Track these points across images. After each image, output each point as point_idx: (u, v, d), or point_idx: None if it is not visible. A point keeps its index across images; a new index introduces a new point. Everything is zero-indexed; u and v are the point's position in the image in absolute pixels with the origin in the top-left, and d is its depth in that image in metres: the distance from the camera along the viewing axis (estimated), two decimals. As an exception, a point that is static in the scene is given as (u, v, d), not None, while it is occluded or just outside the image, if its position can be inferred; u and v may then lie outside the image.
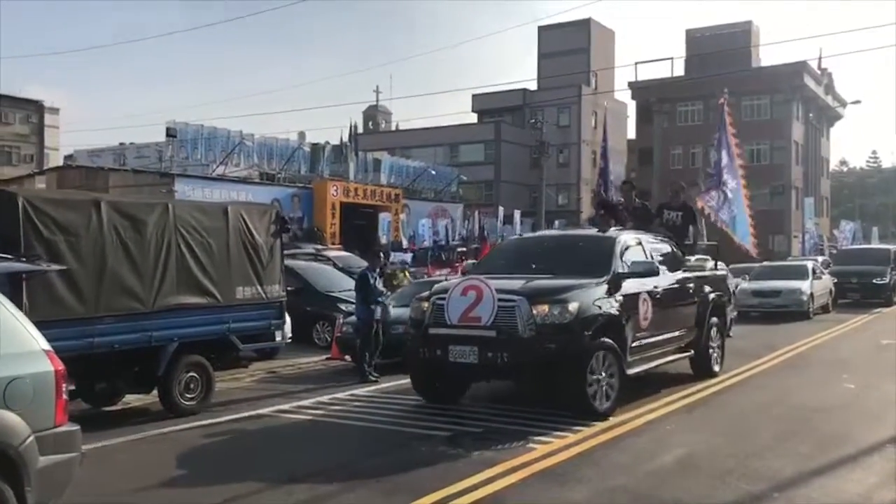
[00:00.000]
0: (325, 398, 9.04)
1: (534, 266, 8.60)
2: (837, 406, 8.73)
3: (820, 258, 31.76)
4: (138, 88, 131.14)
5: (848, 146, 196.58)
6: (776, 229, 53.61)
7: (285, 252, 21.20)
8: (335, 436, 7.53)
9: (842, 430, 7.51)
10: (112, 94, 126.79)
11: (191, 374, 8.29)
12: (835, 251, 36.02)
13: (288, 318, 12.53)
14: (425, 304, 8.09)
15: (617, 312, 7.90)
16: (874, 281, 24.56)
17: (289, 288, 14.00)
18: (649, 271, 8.58)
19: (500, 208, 40.56)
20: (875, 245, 39.01)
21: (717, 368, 10.28)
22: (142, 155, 47.74)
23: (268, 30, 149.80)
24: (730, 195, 13.02)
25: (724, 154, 13.10)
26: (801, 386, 10.01)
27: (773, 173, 55.13)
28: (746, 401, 8.98)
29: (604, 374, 7.62)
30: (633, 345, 8.22)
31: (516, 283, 7.86)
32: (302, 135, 53.43)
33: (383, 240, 33.64)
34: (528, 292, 7.58)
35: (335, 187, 34.04)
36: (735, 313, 15.52)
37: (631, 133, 65.20)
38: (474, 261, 14.39)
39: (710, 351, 10.13)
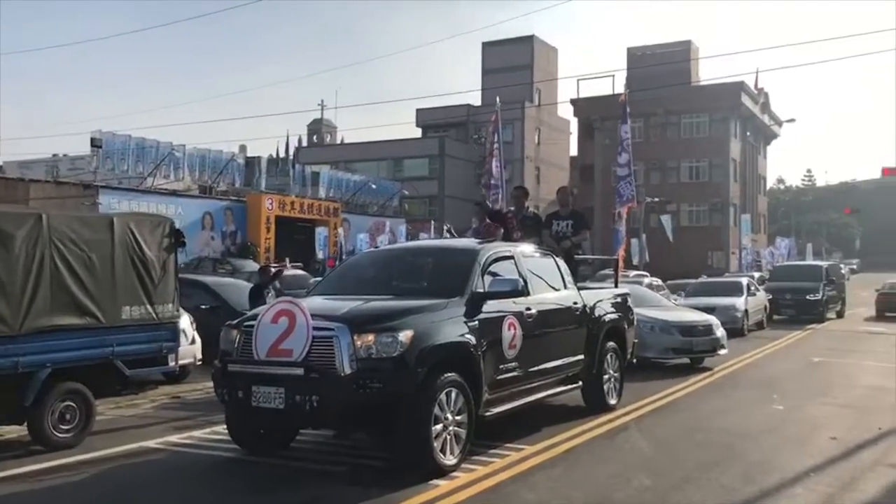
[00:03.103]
0: (221, 427, 8.28)
1: (379, 284, 7.41)
2: (764, 431, 8.35)
3: (756, 274, 32.09)
4: (73, 97, 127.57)
5: (785, 164, 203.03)
6: (715, 245, 54.44)
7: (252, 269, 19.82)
8: (221, 472, 6.82)
9: (767, 457, 7.12)
10: (48, 102, 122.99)
11: (67, 402, 7.44)
12: (771, 268, 36.52)
13: (198, 339, 11.84)
14: (234, 333, 6.62)
15: (470, 341, 6.56)
16: (808, 297, 24.78)
17: (203, 306, 13.35)
18: (514, 290, 7.23)
19: (432, 222, 40.35)
20: (809, 262, 39.71)
21: (612, 401, 9.04)
22: (75, 167, 46.11)
23: (212, 39, 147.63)
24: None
25: (625, 155, 12.51)
26: (729, 409, 9.64)
27: (712, 190, 56.06)
28: (671, 426, 8.54)
29: (451, 417, 6.29)
30: (497, 378, 6.95)
31: (343, 307, 6.51)
32: (243, 147, 52.40)
33: (320, 255, 32.91)
34: (352, 319, 6.19)
35: (270, 200, 33.20)
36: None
37: (573, 150, 65.71)
38: (318, 278, 12.51)
39: (604, 381, 8.89)
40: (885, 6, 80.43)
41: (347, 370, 5.93)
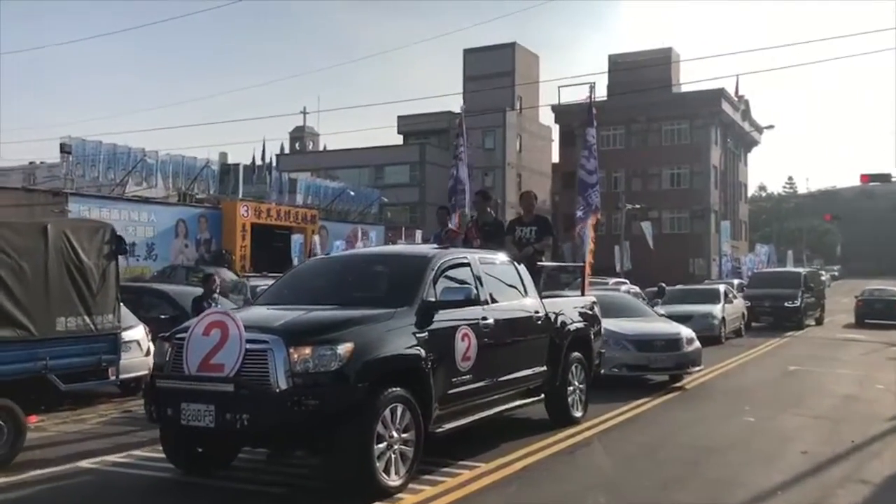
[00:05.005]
0: (163, 445, 7.88)
1: (326, 293, 6.96)
2: (732, 445, 8.03)
3: (735, 281, 31.92)
4: (42, 101, 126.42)
5: (767, 172, 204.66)
6: (696, 252, 54.37)
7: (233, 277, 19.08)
8: (153, 495, 6.38)
9: (732, 474, 6.79)
10: (15, 106, 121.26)
11: (-8, 420, 7.02)
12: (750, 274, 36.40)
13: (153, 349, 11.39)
14: (166, 346, 6.15)
15: (419, 353, 6.15)
16: (786, 304, 24.60)
17: (163, 315, 12.89)
18: (468, 299, 6.84)
19: (402, 229, 40.25)
20: (788, 268, 39.66)
21: (577, 414, 8.62)
22: (52, 174, 45.47)
23: (192, 44, 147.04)
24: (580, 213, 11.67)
25: (593, 161, 12.05)
26: (698, 422, 9.31)
27: (694, 197, 56.04)
28: (635, 441, 8.17)
29: (396, 435, 5.89)
30: (449, 392, 6.52)
31: (281, 318, 6.09)
32: (223, 155, 51.76)
33: (295, 262, 32.45)
34: (288, 330, 5.75)
35: (245, 208, 32.70)
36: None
37: (555, 156, 65.58)
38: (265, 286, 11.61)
39: (569, 394, 8.47)
40: (856, 8, 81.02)
41: (282, 386, 5.51)
